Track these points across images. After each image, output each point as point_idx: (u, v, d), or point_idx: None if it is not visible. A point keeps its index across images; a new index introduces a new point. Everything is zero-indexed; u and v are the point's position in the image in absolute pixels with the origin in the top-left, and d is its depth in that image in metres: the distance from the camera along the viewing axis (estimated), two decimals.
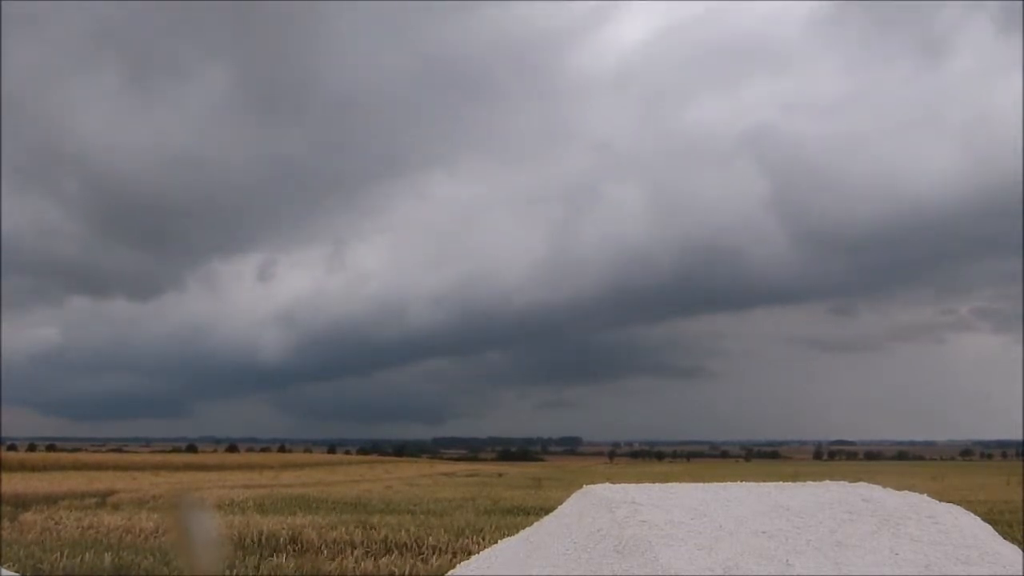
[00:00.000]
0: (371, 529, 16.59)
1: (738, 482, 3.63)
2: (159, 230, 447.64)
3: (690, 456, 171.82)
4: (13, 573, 7.63)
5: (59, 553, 13.11)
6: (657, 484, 3.54)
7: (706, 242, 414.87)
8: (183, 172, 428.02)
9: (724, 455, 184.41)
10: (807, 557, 2.76)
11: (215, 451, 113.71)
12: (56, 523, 18.44)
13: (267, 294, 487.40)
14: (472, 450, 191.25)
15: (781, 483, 3.59)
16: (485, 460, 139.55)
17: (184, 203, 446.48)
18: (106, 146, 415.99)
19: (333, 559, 13.29)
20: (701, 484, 3.55)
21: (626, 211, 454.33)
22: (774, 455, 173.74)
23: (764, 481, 3.64)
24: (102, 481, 37.00)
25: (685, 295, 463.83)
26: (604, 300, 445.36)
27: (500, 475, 61.11)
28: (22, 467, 51.22)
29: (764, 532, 2.92)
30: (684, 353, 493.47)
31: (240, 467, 65.61)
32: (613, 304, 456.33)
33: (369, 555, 13.76)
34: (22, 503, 24.32)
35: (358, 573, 12.56)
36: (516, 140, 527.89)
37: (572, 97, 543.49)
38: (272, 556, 13.59)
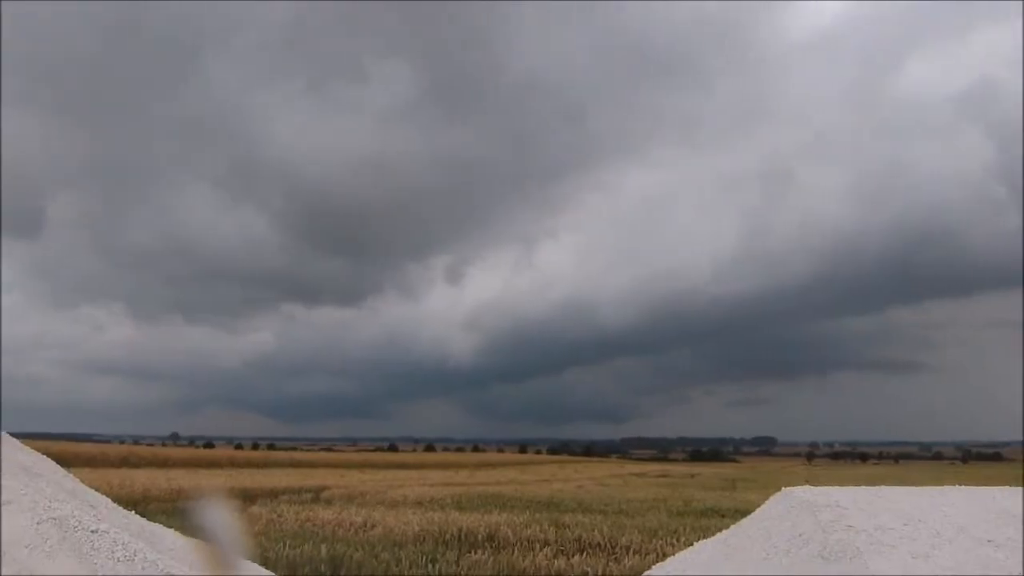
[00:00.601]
0: (564, 528, 16.83)
1: (956, 486, 3.38)
2: (356, 236, 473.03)
3: (898, 458, 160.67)
4: (268, 572, 8.08)
5: (283, 543, 14.33)
6: (863, 487, 3.37)
7: (920, 223, 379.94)
8: (373, 176, 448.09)
9: (937, 456, 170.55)
10: None
11: (414, 450, 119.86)
12: (278, 516, 20.15)
13: (457, 297, 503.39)
14: (661, 450, 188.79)
15: (1008, 488, 3.31)
16: (675, 460, 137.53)
17: (377, 207, 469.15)
18: (300, 156, 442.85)
19: (527, 556, 13.59)
20: (913, 488, 3.34)
21: (828, 192, 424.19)
22: (996, 457, 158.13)
23: (986, 485, 3.36)
24: (315, 478, 39.99)
25: (895, 282, 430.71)
26: (804, 290, 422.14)
27: (692, 476, 59.98)
28: (248, 464, 56.37)
29: (990, 541, 2.71)
30: (893, 345, 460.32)
31: (438, 466, 68.75)
32: (814, 294, 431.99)
33: (562, 553, 13.97)
34: (249, 497, 26.76)
35: (552, 571, 12.77)
36: (710, 122, 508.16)
37: (770, 71, 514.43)
38: (471, 552, 14.12)
